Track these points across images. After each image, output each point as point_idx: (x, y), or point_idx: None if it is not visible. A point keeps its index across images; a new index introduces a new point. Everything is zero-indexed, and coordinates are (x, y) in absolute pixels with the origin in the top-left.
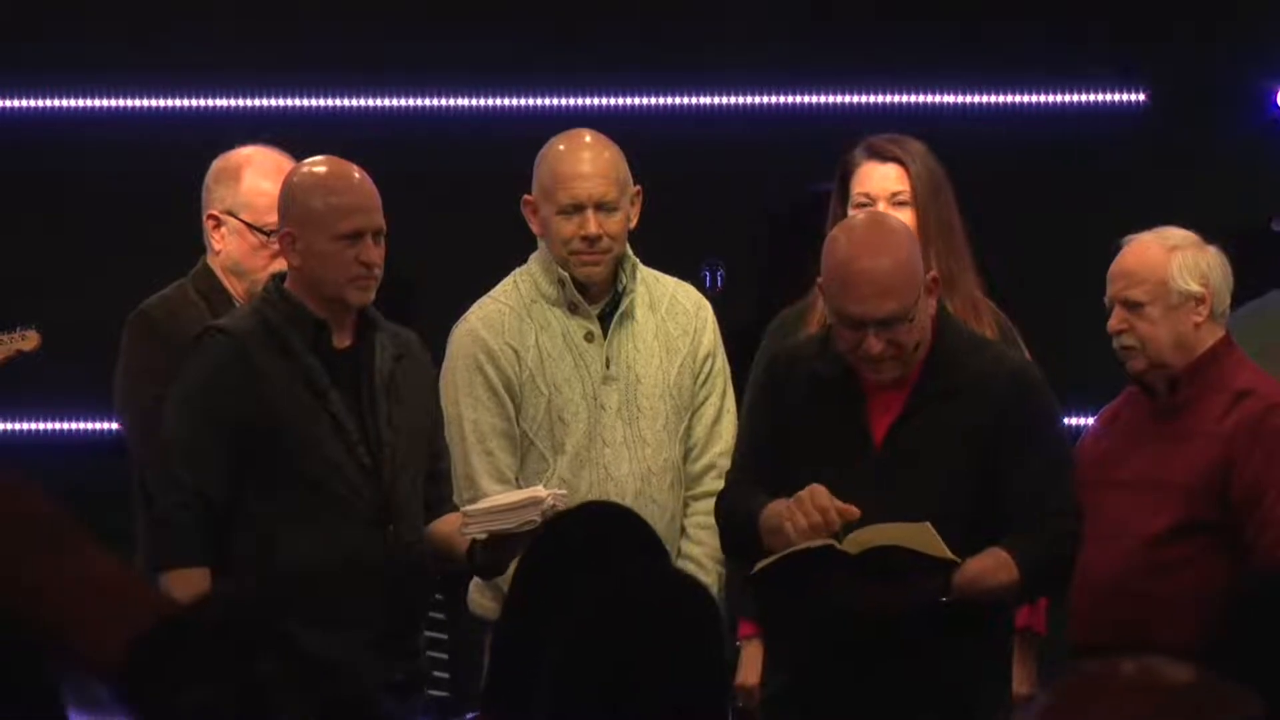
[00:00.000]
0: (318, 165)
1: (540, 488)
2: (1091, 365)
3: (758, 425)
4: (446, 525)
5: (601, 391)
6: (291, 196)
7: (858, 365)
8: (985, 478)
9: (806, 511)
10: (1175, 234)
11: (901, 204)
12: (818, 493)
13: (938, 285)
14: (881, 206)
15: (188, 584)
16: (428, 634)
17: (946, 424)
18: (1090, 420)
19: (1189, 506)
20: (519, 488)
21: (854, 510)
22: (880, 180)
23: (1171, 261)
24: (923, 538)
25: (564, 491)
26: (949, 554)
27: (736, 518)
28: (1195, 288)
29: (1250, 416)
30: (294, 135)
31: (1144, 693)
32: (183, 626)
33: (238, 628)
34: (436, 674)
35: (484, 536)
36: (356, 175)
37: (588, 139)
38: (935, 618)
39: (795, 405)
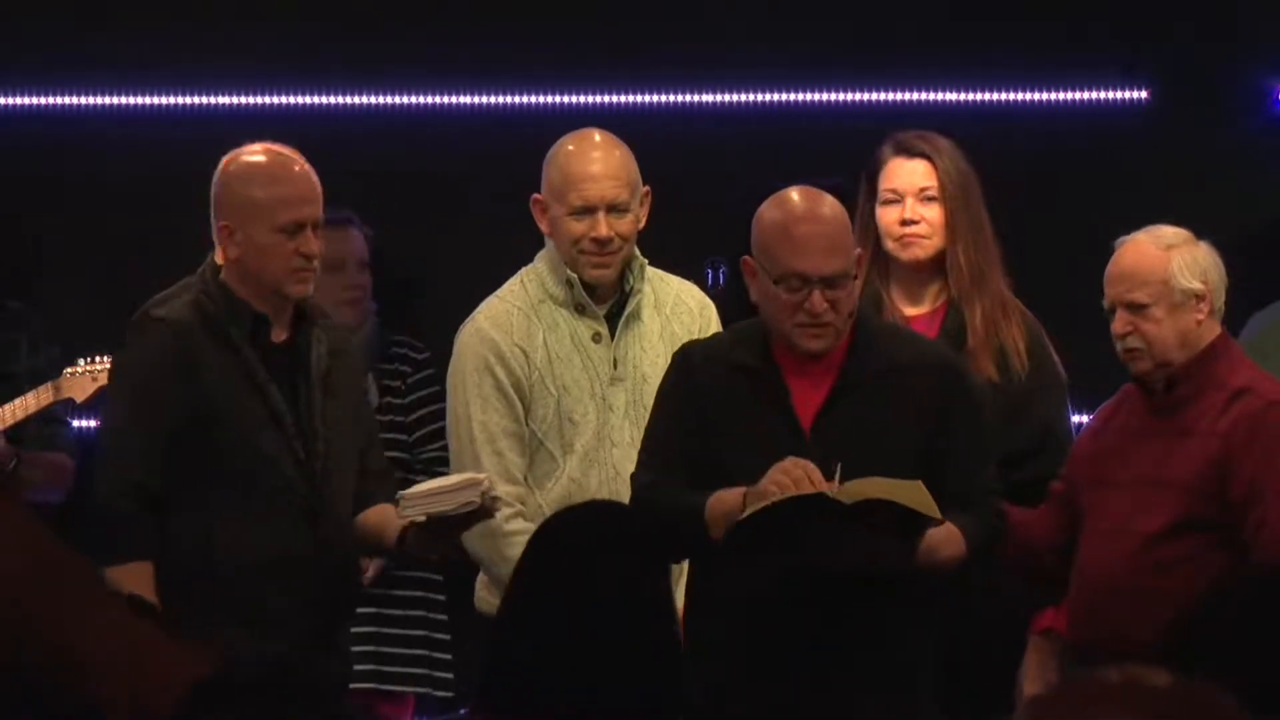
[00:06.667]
0: (255, 154)
1: (478, 474)
2: (1093, 363)
3: (671, 424)
4: (373, 515)
5: (609, 392)
6: (229, 186)
7: (792, 335)
8: (915, 459)
9: (788, 470)
10: (1167, 232)
11: (929, 199)
12: (799, 460)
13: (863, 262)
14: (910, 202)
15: (131, 577)
16: (435, 635)
17: (874, 409)
18: (1088, 418)
19: (1187, 505)
20: (528, 488)
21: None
22: (908, 175)
23: (1171, 261)
24: (915, 495)
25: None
26: (938, 514)
27: (675, 513)
28: (1196, 285)
29: (1248, 414)
30: (296, 132)
31: (1127, 700)
32: (223, 687)
33: (276, 686)
34: (440, 674)
35: (422, 519)
36: (297, 165)
37: (597, 139)
38: (889, 590)
39: (715, 400)
